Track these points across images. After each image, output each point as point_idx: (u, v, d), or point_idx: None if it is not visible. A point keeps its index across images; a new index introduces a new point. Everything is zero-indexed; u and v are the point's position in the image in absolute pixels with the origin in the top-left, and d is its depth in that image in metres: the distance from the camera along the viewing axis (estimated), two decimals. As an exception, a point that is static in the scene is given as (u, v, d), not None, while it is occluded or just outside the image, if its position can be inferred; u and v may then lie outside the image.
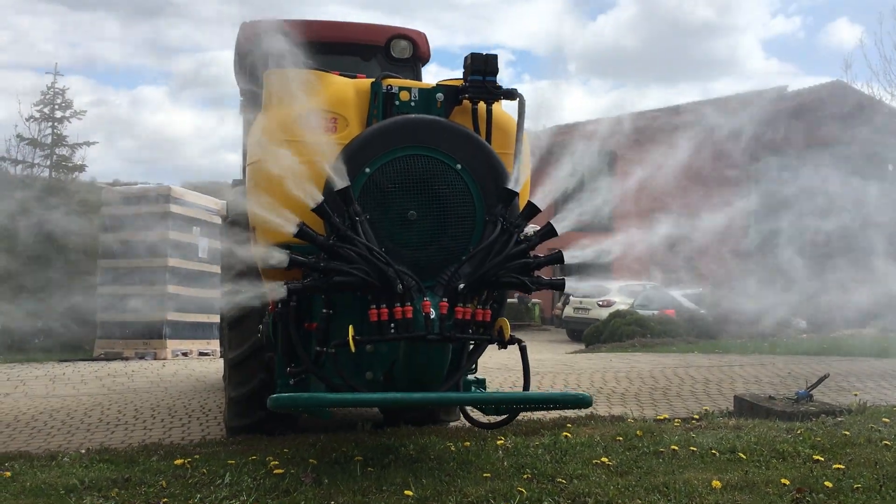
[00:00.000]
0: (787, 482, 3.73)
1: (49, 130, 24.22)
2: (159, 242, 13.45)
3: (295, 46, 6.07)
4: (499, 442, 4.92)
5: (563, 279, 4.03)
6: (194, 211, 14.05)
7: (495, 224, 3.88)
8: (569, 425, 5.61)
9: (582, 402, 3.85)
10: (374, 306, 3.67)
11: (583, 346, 17.63)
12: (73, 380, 9.45)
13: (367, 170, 3.94)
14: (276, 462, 4.35)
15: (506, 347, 3.99)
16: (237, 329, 5.29)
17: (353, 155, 3.94)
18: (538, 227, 4.31)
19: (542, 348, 19.52)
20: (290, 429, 5.46)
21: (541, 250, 4.11)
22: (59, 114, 24.17)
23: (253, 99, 6.25)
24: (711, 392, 7.74)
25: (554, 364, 10.70)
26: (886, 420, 5.40)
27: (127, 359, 12.84)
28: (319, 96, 4.19)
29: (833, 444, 4.67)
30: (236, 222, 5.11)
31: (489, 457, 4.47)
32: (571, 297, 27.65)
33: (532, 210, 3.98)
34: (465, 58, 4.29)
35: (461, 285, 3.74)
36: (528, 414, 6.18)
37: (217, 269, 11.97)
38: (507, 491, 3.71)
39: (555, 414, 6.52)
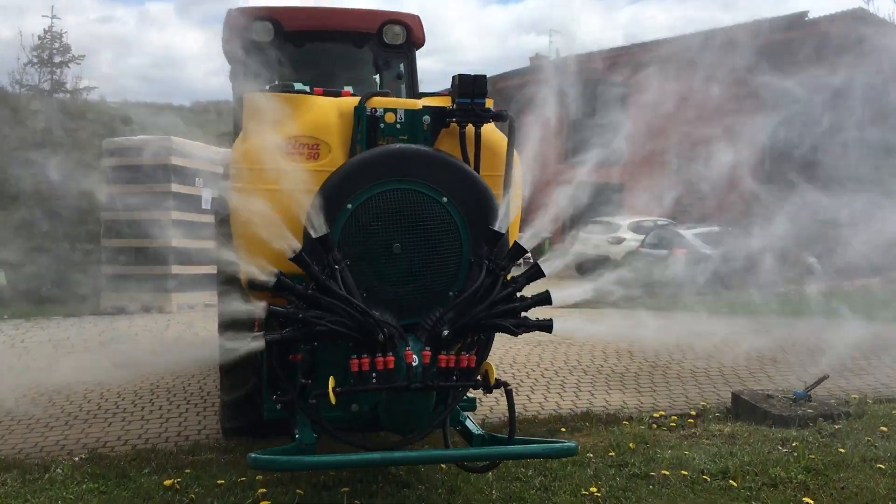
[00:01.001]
0: (775, 532, 3.69)
1: (48, 77, 23.86)
2: (161, 195, 13.36)
3: (281, 40, 5.84)
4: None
5: (551, 320, 3.91)
6: (196, 162, 13.87)
7: (480, 267, 3.75)
8: (563, 430, 5.58)
9: (567, 452, 3.78)
10: (356, 356, 3.58)
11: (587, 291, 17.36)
12: (77, 346, 9.48)
13: (349, 206, 3.79)
14: (264, 489, 4.34)
15: (491, 392, 3.91)
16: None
17: (334, 190, 3.78)
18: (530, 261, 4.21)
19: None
20: (284, 431, 5.45)
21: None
22: (57, 59, 23.71)
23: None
24: (712, 373, 7.68)
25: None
26: (884, 429, 5.34)
27: (133, 313, 12.91)
28: (300, 121, 4.00)
29: (827, 465, 4.62)
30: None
31: (478, 482, 4.44)
32: (581, 234, 27.46)
33: (518, 251, 3.84)
34: (453, 78, 4.07)
35: (445, 332, 3.64)
36: (525, 413, 6.17)
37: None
38: (492, 537, 3.69)
39: (551, 407, 6.51)
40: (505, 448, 3.90)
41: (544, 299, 3.85)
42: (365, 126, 4.03)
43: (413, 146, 3.95)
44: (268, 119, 3.99)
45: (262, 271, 3.61)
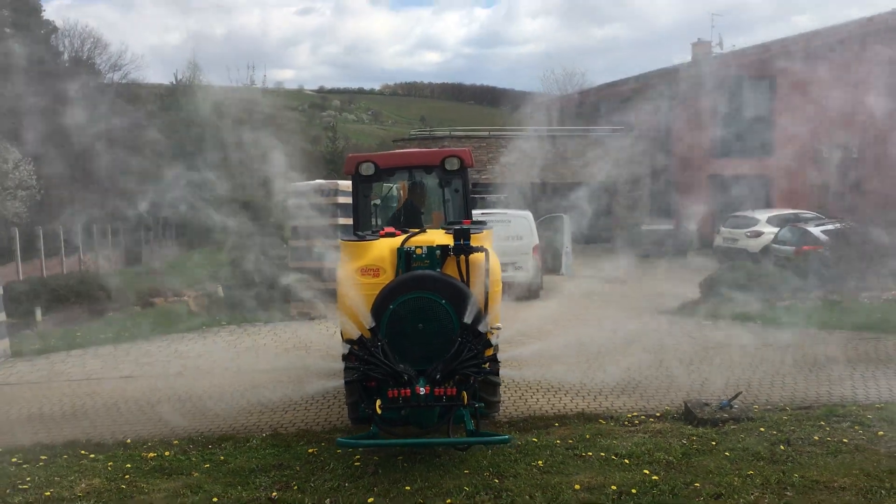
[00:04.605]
0: (615, 487, 6.64)
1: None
2: (330, 227, 17.35)
3: (379, 173, 9.26)
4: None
5: (498, 363, 7.10)
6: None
7: (456, 342, 6.98)
8: (556, 424, 8.65)
9: (500, 442, 6.98)
10: (390, 388, 6.92)
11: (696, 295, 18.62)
12: (271, 350, 13.50)
13: (392, 306, 7.11)
14: (358, 456, 7.78)
15: (465, 407, 7.13)
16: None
17: (384, 298, 7.13)
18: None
19: (664, 284, 20.10)
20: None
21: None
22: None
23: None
24: (717, 381, 10.31)
25: (627, 335, 13.29)
26: (762, 429, 7.97)
27: (314, 318, 17.03)
28: (369, 256, 7.40)
29: (697, 451, 7.40)
30: None
31: (474, 452, 7.62)
32: (722, 228, 29.23)
33: (478, 335, 7.02)
34: (453, 230, 7.30)
35: (438, 376, 6.91)
36: (550, 411, 9.27)
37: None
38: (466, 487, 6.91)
39: (558, 402, 9.53)
40: (459, 438, 7.13)
41: (493, 359, 7.04)
42: (404, 259, 7.35)
43: (427, 272, 7.22)
44: (353, 255, 7.44)
45: (346, 339, 7.08)
